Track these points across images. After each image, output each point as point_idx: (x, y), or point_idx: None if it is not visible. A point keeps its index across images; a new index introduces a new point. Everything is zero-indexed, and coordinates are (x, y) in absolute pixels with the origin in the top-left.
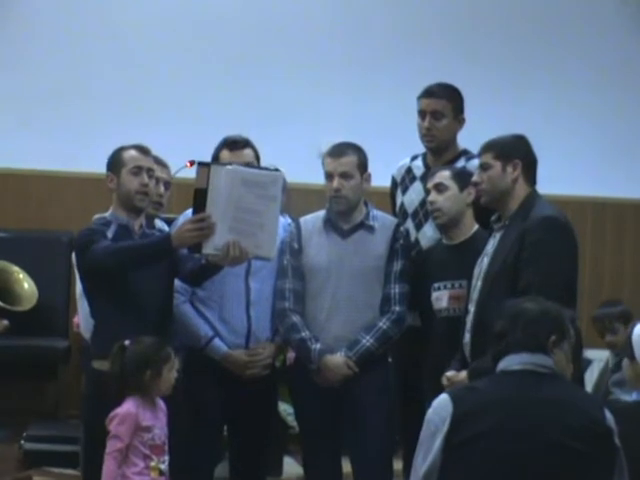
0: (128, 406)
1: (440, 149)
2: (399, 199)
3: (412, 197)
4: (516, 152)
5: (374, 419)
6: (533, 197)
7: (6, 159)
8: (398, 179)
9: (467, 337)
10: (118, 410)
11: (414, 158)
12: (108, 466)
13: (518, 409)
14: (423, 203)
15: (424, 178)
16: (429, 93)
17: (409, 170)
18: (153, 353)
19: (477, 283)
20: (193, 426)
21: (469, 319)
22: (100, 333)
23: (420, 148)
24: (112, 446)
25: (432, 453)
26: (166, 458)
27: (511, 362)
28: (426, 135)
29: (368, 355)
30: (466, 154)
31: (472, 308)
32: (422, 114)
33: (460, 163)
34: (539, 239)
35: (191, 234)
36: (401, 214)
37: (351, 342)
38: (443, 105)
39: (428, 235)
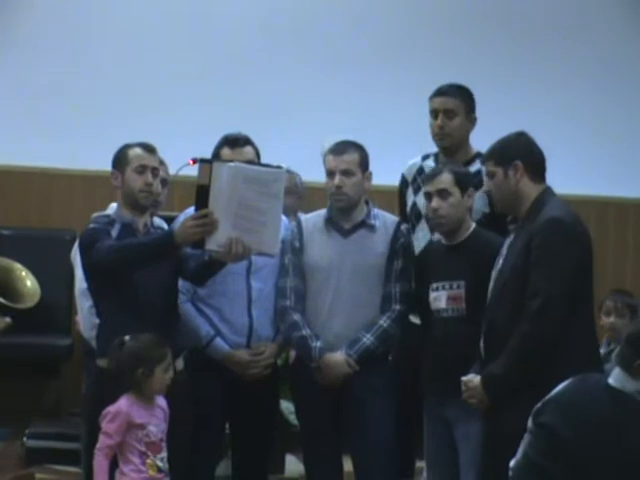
0: (120, 404)
1: (452, 149)
2: (410, 199)
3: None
4: (515, 153)
5: (375, 418)
6: (544, 196)
7: (8, 156)
8: (409, 178)
9: (482, 340)
10: (110, 407)
11: (425, 157)
12: (99, 462)
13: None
14: None
15: None
16: (441, 92)
17: (421, 170)
18: (146, 352)
19: (491, 285)
20: (195, 424)
21: (484, 322)
22: (104, 332)
23: (424, 149)
24: (102, 442)
25: None
26: (164, 455)
27: (612, 372)
28: (438, 134)
29: (368, 353)
30: (480, 156)
31: (487, 310)
32: (434, 113)
33: (475, 166)
34: (542, 242)
35: (194, 230)
36: (414, 214)
37: (351, 340)
38: (456, 104)
39: (419, 236)
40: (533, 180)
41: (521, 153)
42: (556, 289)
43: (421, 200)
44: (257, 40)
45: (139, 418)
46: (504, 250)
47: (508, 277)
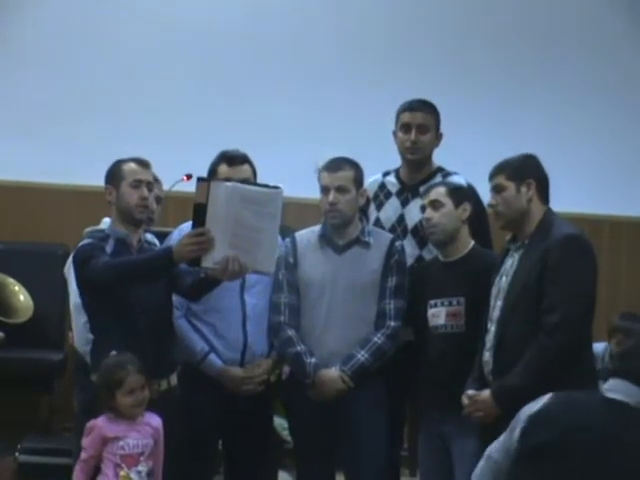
0: (96, 419)
1: (420, 162)
2: (373, 215)
3: (389, 213)
4: (529, 171)
5: (369, 435)
6: (550, 216)
7: (2, 171)
8: (371, 195)
9: (487, 355)
10: (88, 423)
11: (386, 174)
12: (75, 475)
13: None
14: (401, 219)
15: (400, 194)
16: (415, 108)
17: (382, 186)
18: (105, 376)
19: (496, 302)
20: (188, 440)
21: (489, 338)
22: (98, 347)
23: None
24: (81, 456)
25: None
26: (141, 469)
27: (613, 387)
28: (410, 148)
29: (362, 370)
30: (442, 171)
31: (492, 327)
32: (407, 127)
33: (436, 179)
34: (562, 258)
35: (190, 248)
36: None
37: (346, 357)
38: (428, 119)
39: (407, 251)
40: (541, 200)
41: (534, 172)
42: (575, 303)
43: (384, 216)
44: (251, 56)
45: (114, 431)
46: (508, 269)
47: (519, 293)
